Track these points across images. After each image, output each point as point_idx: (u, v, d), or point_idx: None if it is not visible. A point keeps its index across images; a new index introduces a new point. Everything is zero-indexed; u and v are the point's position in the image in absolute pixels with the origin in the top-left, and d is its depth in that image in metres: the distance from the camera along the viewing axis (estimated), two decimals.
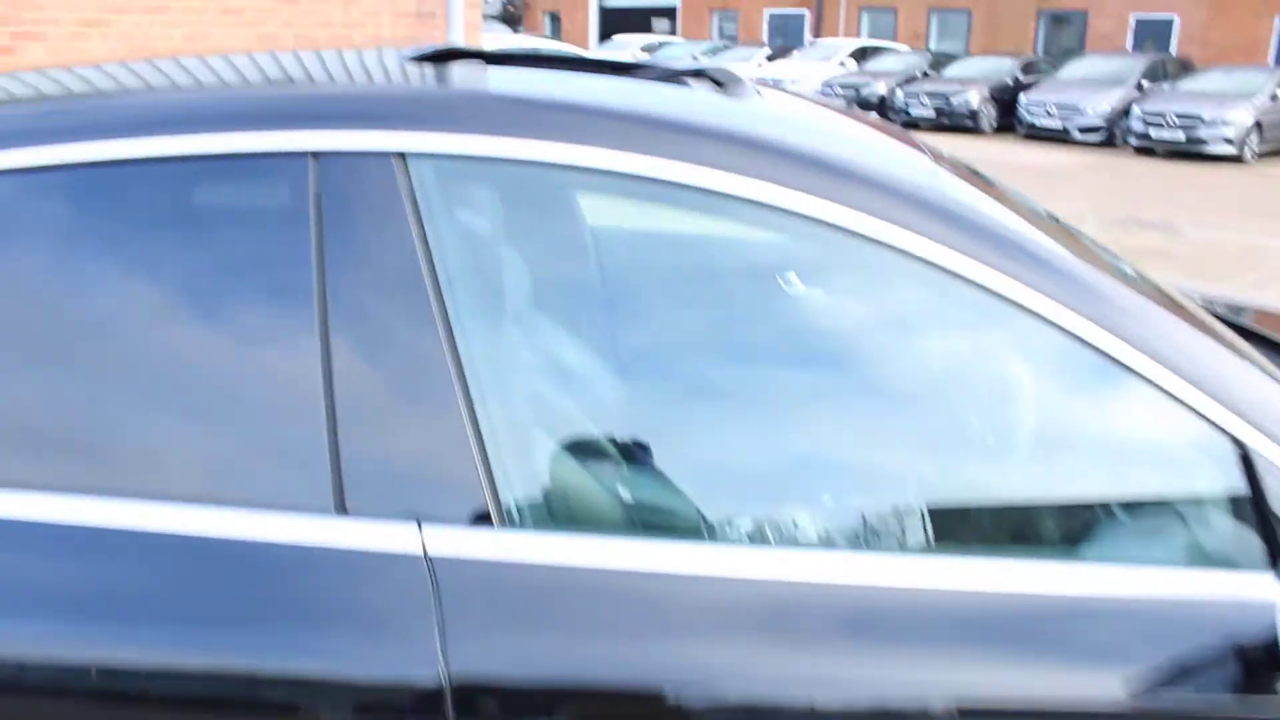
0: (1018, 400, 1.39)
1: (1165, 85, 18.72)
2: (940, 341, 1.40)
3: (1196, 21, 24.35)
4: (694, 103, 1.49)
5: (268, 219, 1.28)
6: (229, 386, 1.25)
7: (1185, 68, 20.28)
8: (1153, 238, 9.84)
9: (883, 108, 21.31)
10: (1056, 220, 1.84)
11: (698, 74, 1.70)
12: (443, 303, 1.28)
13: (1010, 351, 1.38)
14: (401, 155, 1.30)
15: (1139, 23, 25.33)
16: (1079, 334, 1.30)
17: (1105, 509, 1.38)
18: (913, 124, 20.30)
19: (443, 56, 1.65)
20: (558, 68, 1.64)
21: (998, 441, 1.42)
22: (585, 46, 34.84)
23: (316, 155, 1.29)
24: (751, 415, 1.40)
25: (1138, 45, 25.00)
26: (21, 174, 1.28)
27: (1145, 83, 19.11)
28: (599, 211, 1.40)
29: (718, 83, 1.67)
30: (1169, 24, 24.82)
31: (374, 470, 1.23)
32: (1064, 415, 1.38)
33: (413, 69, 1.55)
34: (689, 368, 1.41)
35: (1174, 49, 24.23)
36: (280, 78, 1.43)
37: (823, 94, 22.27)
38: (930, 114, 20.14)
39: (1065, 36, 26.73)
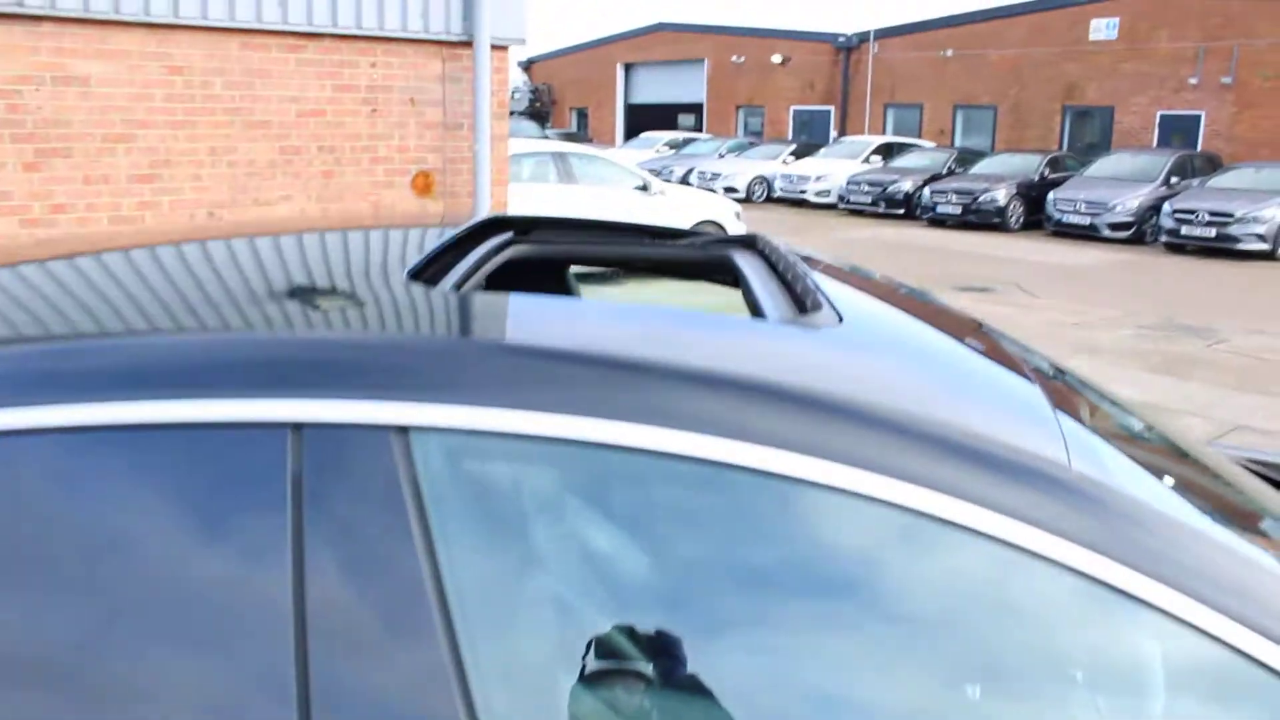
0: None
1: (1195, 182, 18.61)
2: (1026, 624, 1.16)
3: (1223, 117, 24.33)
4: (765, 348, 1.28)
5: (236, 509, 1.05)
6: (185, 705, 1.03)
7: (1213, 163, 20.19)
8: (1194, 344, 9.59)
9: (909, 205, 21.27)
10: (1063, 374, 1.65)
11: (768, 263, 1.46)
12: (450, 621, 1.03)
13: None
14: (403, 429, 1.07)
15: (1164, 118, 25.35)
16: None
17: None
18: (940, 221, 20.22)
19: (460, 245, 1.45)
20: (606, 245, 1.42)
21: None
22: (612, 143, 35.30)
23: (297, 427, 1.06)
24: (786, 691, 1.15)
25: (1164, 140, 24.99)
26: None
27: (1173, 179, 19.01)
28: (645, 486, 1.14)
29: (799, 301, 1.45)
30: (1195, 119, 24.81)
31: None
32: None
33: (424, 300, 1.31)
34: (743, 657, 1.12)
35: (1200, 144, 24.18)
36: (258, 300, 1.21)
37: (849, 189, 22.26)
38: (957, 211, 20.06)
39: (1090, 132, 26.77)
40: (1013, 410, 1.30)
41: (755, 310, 1.45)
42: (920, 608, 1.13)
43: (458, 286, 1.38)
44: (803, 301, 1.42)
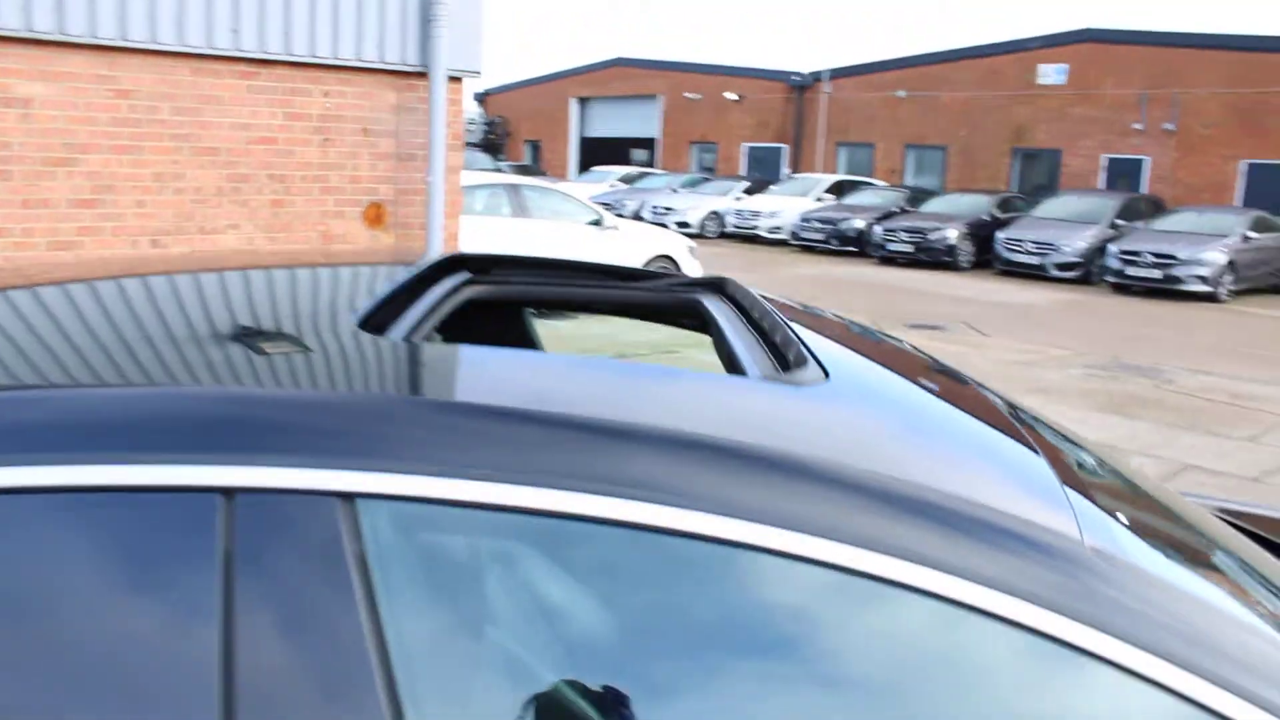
0: None
1: (1140, 224, 18.94)
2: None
3: (1166, 162, 24.85)
4: (752, 411, 1.18)
5: (159, 581, 0.93)
6: None
7: (1157, 207, 20.58)
8: (1142, 385, 9.68)
9: (861, 242, 21.42)
10: (1020, 414, 1.58)
11: (754, 326, 1.36)
12: (398, 706, 0.92)
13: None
14: (348, 497, 0.96)
15: (1110, 161, 25.84)
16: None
17: None
18: (891, 259, 20.38)
19: (415, 286, 1.35)
20: (569, 286, 1.32)
21: None
22: (564, 176, 35.32)
23: (228, 493, 0.94)
24: None
25: (1110, 183, 25.46)
26: None
27: (1119, 221, 19.34)
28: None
29: (780, 356, 1.35)
30: (1139, 163, 25.33)
31: None
32: None
33: (373, 353, 1.20)
34: None
35: (1144, 187, 24.68)
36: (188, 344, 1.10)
37: (801, 225, 22.37)
38: (908, 249, 20.24)
39: (1038, 173, 27.22)
40: (1019, 479, 1.22)
41: (732, 365, 1.35)
42: (914, 691, 1.05)
43: (410, 335, 1.28)
44: (784, 356, 1.33)
